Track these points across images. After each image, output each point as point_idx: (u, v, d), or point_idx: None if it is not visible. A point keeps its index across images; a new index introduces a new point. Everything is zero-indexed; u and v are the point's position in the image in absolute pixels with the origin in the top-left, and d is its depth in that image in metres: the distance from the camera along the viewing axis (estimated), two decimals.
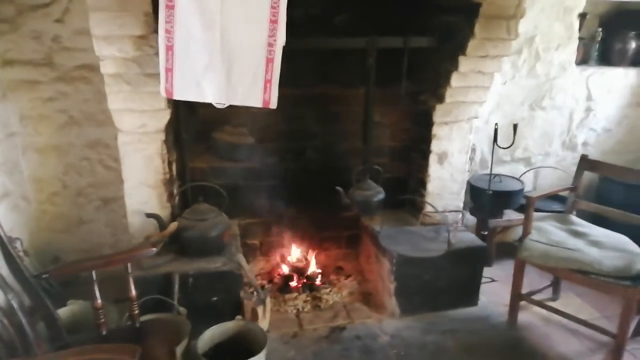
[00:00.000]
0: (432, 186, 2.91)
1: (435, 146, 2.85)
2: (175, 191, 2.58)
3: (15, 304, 1.52)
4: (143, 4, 2.01)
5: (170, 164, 2.49)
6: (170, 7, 1.93)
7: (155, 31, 1.99)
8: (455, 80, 2.63)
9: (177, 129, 2.56)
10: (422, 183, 2.96)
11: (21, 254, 1.96)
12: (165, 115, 2.34)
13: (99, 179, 2.81)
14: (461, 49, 2.54)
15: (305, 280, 2.98)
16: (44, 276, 1.68)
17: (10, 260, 1.59)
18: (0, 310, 1.43)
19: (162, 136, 2.39)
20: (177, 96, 2.07)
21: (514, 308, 2.68)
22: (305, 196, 2.95)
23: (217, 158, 2.71)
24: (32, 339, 1.51)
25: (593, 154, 3.61)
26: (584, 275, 2.32)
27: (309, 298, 2.87)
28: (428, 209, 2.87)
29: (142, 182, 2.42)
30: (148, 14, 2.04)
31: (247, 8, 1.99)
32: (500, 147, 3.14)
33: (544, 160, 3.70)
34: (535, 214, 2.66)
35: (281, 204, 2.94)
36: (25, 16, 2.49)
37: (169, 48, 1.99)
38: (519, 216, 3.16)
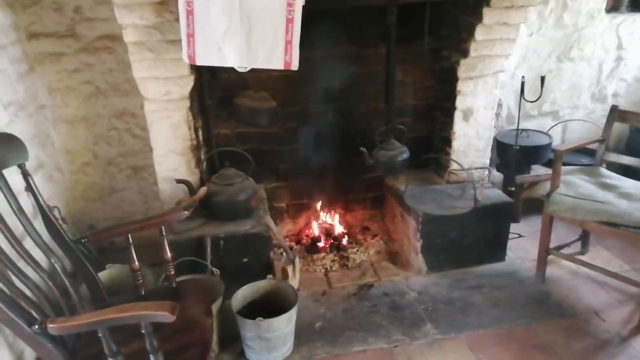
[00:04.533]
0: (457, 144, 2.89)
1: (460, 103, 2.81)
2: (202, 157, 2.62)
3: (58, 267, 1.60)
4: None
5: (196, 130, 2.53)
6: None
7: None
8: (479, 33, 2.57)
9: (201, 96, 2.59)
10: (446, 141, 2.94)
11: (60, 221, 2.03)
12: (189, 82, 2.36)
13: (127, 148, 2.87)
14: (485, 0, 2.46)
15: (332, 241, 3.03)
16: (83, 240, 1.75)
17: (51, 226, 1.67)
18: (45, 273, 1.50)
19: (187, 103, 2.41)
20: (200, 62, 2.08)
21: (541, 262, 2.68)
22: (330, 158, 2.96)
23: (240, 123, 2.73)
24: (76, 300, 1.60)
25: (624, 105, 3.50)
26: (613, 227, 2.30)
27: (336, 258, 2.93)
28: (454, 166, 2.86)
29: (171, 149, 2.47)
30: None
31: None
32: (527, 101, 3.07)
33: (572, 114, 3.61)
34: (564, 168, 2.62)
35: (306, 167, 2.96)
36: None
37: (189, 13, 1.99)
38: (547, 171, 3.12)
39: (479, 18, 2.52)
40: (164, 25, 2.15)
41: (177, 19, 2.03)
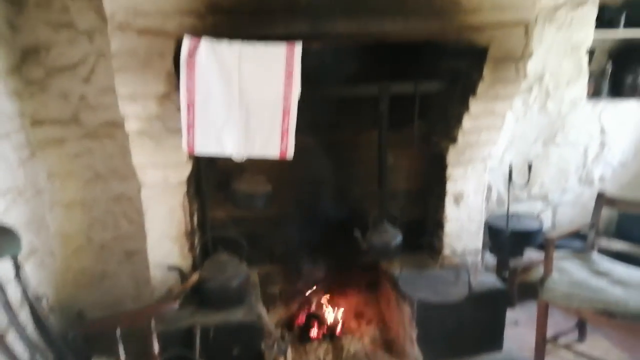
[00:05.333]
0: (449, 227, 2.92)
1: (450, 187, 2.87)
2: (196, 242, 2.62)
3: None
4: (165, 64, 2.10)
5: (191, 214, 2.55)
6: (191, 66, 2.02)
7: (177, 88, 2.07)
8: (467, 121, 2.67)
9: (198, 180, 2.63)
10: (439, 225, 2.97)
11: (47, 312, 1.99)
12: (187, 168, 2.41)
13: (122, 233, 2.87)
14: (471, 91, 2.58)
15: (325, 330, 2.95)
16: (70, 336, 1.71)
17: (38, 321, 1.64)
18: None
19: (184, 188, 2.45)
20: (199, 151, 2.14)
21: (539, 353, 2.62)
22: (324, 241, 2.96)
23: (236, 207, 2.76)
24: None
25: (611, 189, 3.61)
26: (610, 317, 2.27)
27: (330, 347, 2.84)
28: (446, 251, 2.87)
29: (165, 234, 2.47)
30: (170, 73, 2.12)
31: (263, 63, 2.07)
32: (515, 187, 3.15)
33: (561, 197, 3.68)
34: (556, 253, 2.64)
35: (299, 251, 2.96)
36: (54, 77, 2.61)
37: (190, 105, 2.07)
38: (540, 255, 3.12)
39: (466, 107, 2.63)
40: (165, 115, 2.22)
41: (179, 108, 2.10)
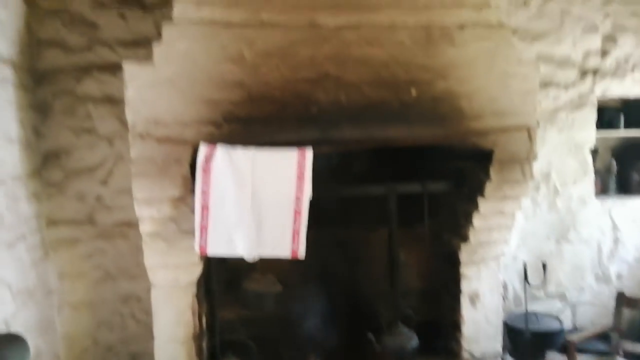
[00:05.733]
0: (466, 330, 2.81)
1: (465, 287, 2.81)
2: (204, 345, 2.54)
3: None
4: (182, 169, 2.17)
5: (200, 316, 2.50)
6: (207, 171, 2.09)
7: (192, 192, 2.14)
8: (477, 220, 2.67)
9: (208, 280, 2.61)
10: (456, 326, 2.87)
11: None
12: (198, 269, 2.41)
13: (129, 334, 2.80)
14: (479, 191, 2.60)
15: None
16: None
17: None
18: None
19: (194, 289, 2.43)
20: (211, 252, 2.15)
21: None
22: (336, 343, 2.86)
23: (245, 308, 2.71)
24: None
25: (629, 287, 3.50)
26: None
27: None
28: (465, 354, 2.75)
29: (172, 337, 2.41)
30: (186, 178, 2.18)
31: (276, 167, 2.15)
32: (531, 285, 3.08)
33: (579, 295, 3.57)
34: (579, 357, 2.52)
35: (310, 353, 2.85)
36: (72, 179, 2.71)
37: (205, 207, 2.11)
38: (563, 358, 2.98)
39: (474, 206, 2.65)
40: (179, 217, 2.26)
41: (193, 211, 2.14)
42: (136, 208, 2.21)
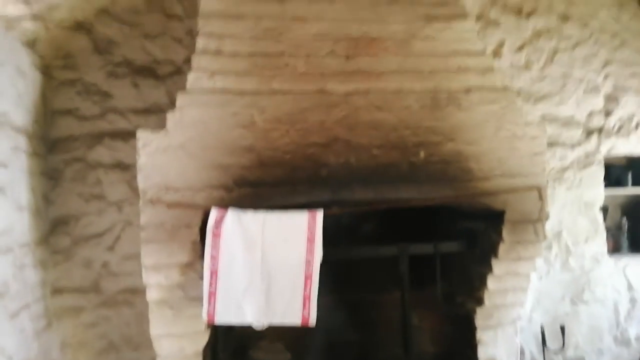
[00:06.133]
0: None
1: (482, 353, 2.69)
2: None
3: None
4: (192, 234, 2.16)
5: None
6: (217, 235, 2.08)
7: (201, 257, 2.11)
8: (491, 282, 2.61)
9: (214, 349, 2.52)
10: None
11: None
12: (204, 338, 2.32)
13: None
14: (493, 252, 2.57)
15: None
16: None
17: None
18: None
19: (200, 359, 2.33)
20: (219, 320, 2.10)
21: None
22: None
23: None
24: None
25: None
26: None
27: None
28: None
29: None
30: (195, 242, 2.17)
31: (286, 229, 2.14)
32: (549, 349, 2.96)
33: (598, 359, 3.43)
34: None
35: None
36: (80, 246, 2.68)
37: (213, 273, 2.08)
38: None
39: (488, 268, 2.60)
40: (187, 284, 2.21)
41: (201, 277, 2.11)
42: (144, 275, 2.17)
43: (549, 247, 3.37)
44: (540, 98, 3.33)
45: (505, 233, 2.50)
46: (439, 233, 2.73)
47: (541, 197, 2.46)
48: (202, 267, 2.09)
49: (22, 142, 2.34)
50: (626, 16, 3.44)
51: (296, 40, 2.34)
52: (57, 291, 2.63)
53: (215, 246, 2.08)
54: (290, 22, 2.35)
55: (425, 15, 2.46)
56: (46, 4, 2.32)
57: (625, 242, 3.62)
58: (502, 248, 2.53)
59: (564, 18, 3.35)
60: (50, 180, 2.64)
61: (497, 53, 3.24)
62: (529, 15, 3.31)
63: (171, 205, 2.11)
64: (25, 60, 2.41)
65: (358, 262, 2.83)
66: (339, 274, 2.73)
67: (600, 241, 3.47)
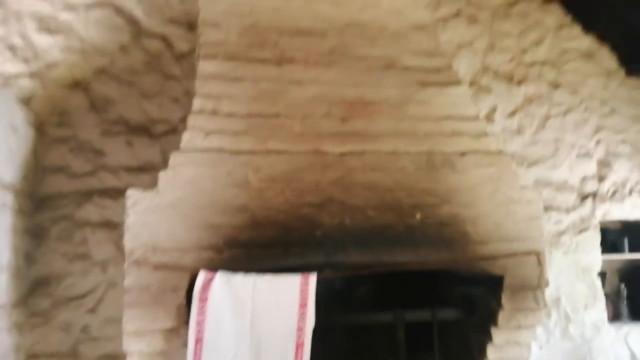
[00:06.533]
0: None
1: None
2: None
3: None
4: (177, 298, 2.05)
5: None
6: (204, 300, 1.98)
7: (187, 323, 2.00)
8: (491, 352, 2.50)
9: None
10: None
11: None
12: None
13: None
14: (491, 320, 2.48)
15: None
16: None
17: None
18: None
19: None
20: None
21: None
22: None
23: None
24: None
25: None
26: None
27: None
28: None
29: None
30: (181, 307, 2.06)
31: (277, 294, 2.05)
32: None
33: None
34: None
35: None
36: (59, 308, 2.56)
37: (198, 340, 1.97)
38: None
39: (488, 337, 2.50)
40: (170, 351, 2.09)
41: (186, 344, 1.99)
42: (125, 341, 2.04)
43: (548, 314, 3.28)
44: (534, 162, 3.36)
45: (504, 300, 2.42)
46: (437, 297, 2.65)
47: (540, 262, 2.40)
48: (187, 334, 1.97)
49: (9, 199, 2.29)
50: (614, 84, 3.54)
51: (293, 102, 2.35)
52: (32, 357, 2.48)
53: (202, 312, 1.98)
54: (287, 85, 2.38)
55: (420, 81, 2.51)
56: (45, 63, 2.35)
57: (625, 309, 3.53)
58: (501, 316, 2.44)
59: (554, 85, 3.45)
60: (34, 238, 2.56)
61: (489, 118, 3.30)
62: (520, 82, 3.40)
63: (158, 266, 2.02)
64: (19, 117, 2.40)
65: (353, 329, 2.71)
66: (332, 341, 2.62)
67: (600, 308, 3.40)
